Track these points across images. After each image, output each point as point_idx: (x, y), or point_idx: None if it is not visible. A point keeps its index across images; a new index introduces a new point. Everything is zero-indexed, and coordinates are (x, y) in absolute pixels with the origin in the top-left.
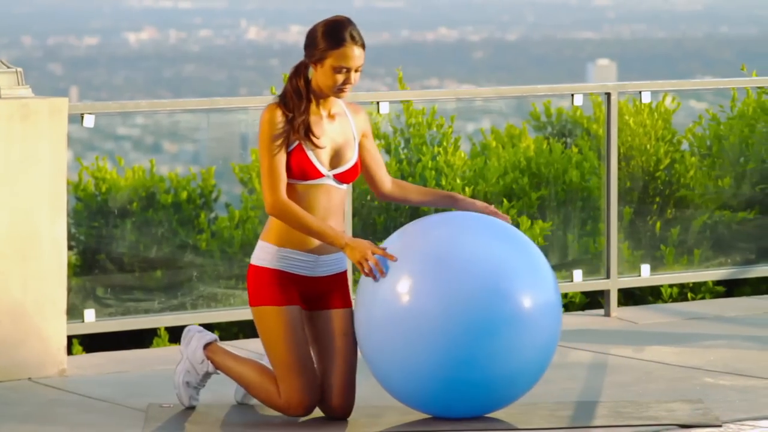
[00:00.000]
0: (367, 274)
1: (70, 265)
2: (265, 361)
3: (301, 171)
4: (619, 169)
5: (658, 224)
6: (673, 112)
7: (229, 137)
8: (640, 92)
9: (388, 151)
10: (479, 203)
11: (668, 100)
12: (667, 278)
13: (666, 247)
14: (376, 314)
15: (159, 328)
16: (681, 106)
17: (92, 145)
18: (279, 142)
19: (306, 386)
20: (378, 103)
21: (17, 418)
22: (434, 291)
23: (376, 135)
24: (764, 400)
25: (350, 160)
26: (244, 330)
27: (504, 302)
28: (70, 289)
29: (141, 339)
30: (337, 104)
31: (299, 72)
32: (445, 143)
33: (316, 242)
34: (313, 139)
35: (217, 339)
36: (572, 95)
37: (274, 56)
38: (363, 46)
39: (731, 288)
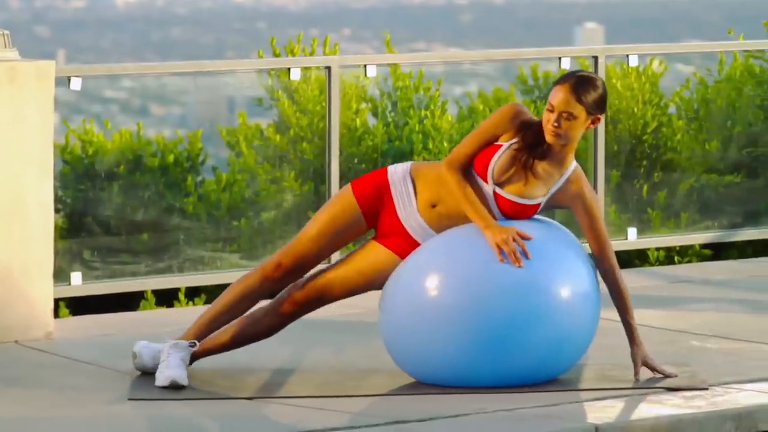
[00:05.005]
0: (502, 260)
1: (56, 228)
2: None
3: (478, 162)
4: (606, 132)
5: (645, 188)
6: (660, 75)
7: (216, 100)
8: (627, 56)
9: (375, 114)
10: (640, 359)
11: (655, 64)
12: (653, 242)
13: (653, 211)
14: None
15: (146, 291)
16: (668, 70)
17: (79, 108)
18: (495, 134)
19: (293, 257)
20: (365, 66)
21: (3, 381)
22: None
23: (363, 98)
24: (750, 363)
25: (517, 195)
26: None
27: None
28: (56, 252)
29: (128, 302)
30: (564, 167)
31: None
32: (432, 106)
33: (437, 209)
34: (526, 163)
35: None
36: (559, 59)
37: (261, 19)
38: (574, 93)
39: (718, 251)
